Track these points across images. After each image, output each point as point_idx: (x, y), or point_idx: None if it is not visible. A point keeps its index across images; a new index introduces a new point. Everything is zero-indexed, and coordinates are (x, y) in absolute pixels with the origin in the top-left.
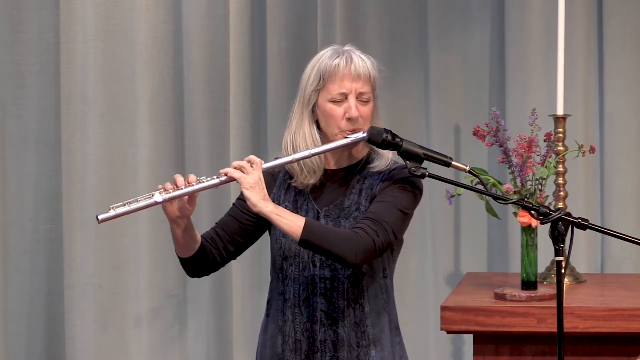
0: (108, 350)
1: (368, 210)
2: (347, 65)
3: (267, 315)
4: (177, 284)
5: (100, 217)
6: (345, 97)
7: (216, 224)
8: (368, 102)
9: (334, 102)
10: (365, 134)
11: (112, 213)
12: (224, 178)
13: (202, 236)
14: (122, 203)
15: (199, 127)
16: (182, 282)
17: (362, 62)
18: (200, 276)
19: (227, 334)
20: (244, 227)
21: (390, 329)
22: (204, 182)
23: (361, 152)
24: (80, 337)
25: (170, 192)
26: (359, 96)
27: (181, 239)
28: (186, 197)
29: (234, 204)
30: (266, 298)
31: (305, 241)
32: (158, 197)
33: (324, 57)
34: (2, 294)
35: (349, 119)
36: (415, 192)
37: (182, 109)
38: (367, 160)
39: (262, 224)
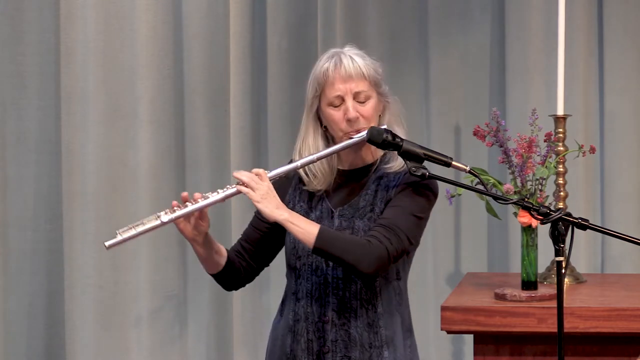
0: (108, 350)
1: (382, 215)
2: (335, 68)
3: (280, 314)
4: (177, 284)
5: (107, 244)
6: (341, 99)
7: (241, 235)
8: (366, 100)
9: (332, 106)
10: (366, 134)
11: (119, 238)
12: (228, 192)
13: (230, 250)
14: (127, 227)
15: (199, 127)
16: (182, 282)
17: (351, 62)
18: (237, 288)
19: (227, 334)
20: (264, 234)
21: (403, 331)
22: (208, 198)
23: (375, 152)
24: (80, 337)
25: (175, 212)
26: (355, 96)
27: (203, 254)
28: (197, 214)
29: (254, 213)
30: (267, 299)
31: (318, 249)
32: (164, 218)
33: (319, 62)
34: (2, 294)
35: (348, 120)
36: (429, 195)
37: (182, 109)
38: (382, 161)
39: (281, 230)
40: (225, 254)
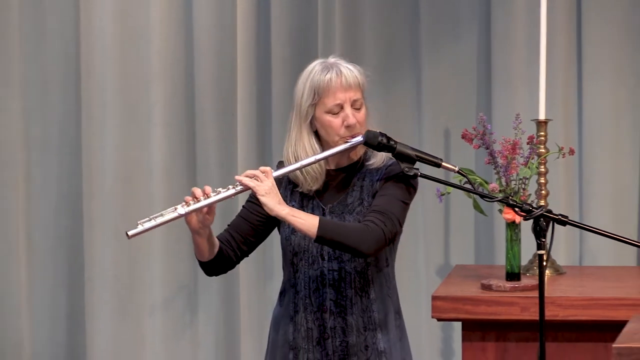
0: (125, 338)
1: (372, 204)
2: (338, 78)
3: (280, 305)
4: (188, 276)
5: (129, 233)
6: (340, 107)
7: (228, 225)
8: (361, 107)
9: (331, 113)
10: (363, 137)
11: (140, 228)
12: (239, 188)
13: (217, 238)
14: (147, 218)
15: (208, 130)
16: (193, 274)
17: (350, 72)
18: (217, 274)
19: (235, 323)
20: (254, 227)
21: (393, 313)
22: (221, 193)
23: (358, 152)
24: (99, 325)
25: (191, 205)
26: (353, 103)
27: (202, 246)
28: (205, 208)
29: (243, 206)
30: (271, 289)
31: (321, 237)
32: (181, 210)
33: (314, 73)
34: (27, 286)
35: (347, 126)
36: (411, 184)
37: (193, 114)
38: (364, 159)
39: (271, 223)
40: (217, 244)
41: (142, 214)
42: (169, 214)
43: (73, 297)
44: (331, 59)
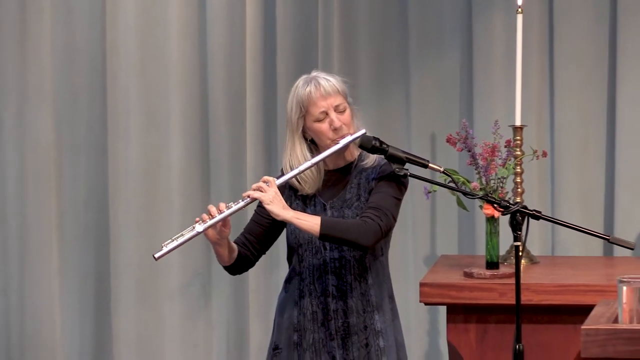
0: (146, 319)
1: (369, 201)
2: (317, 89)
3: (285, 291)
4: (203, 264)
5: (156, 255)
6: (325, 113)
7: (244, 229)
8: (344, 110)
9: (318, 120)
10: (351, 136)
11: (164, 250)
12: (248, 200)
13: (235, 242)
14: (170, 239)
15: (220, 135)
16: (207, 262)
17: (327, 81)
18: (240, 273)
19: (245, 306)
20: (265, 228)
21: (387, 297)
22: (232, 207)
23: (353, 154)
24: (124, 308)
25: (207, 222)
26: (335, 108)
27: (222, 253)
28: (220, 223)
29: (255, 211)
30: (276, 276)
31: (324, 235)
32: (199, 228)
33: (298, 89)
34: (59, 272)
35: (335, 129)
36: (402, 182)
37: (207, 120)
38: (359, 159)
39: (279, 223)
40: (236, 249)
41: (161, 209)
42: (189, 233)
43: (100, 282)
44: (312, 73)
